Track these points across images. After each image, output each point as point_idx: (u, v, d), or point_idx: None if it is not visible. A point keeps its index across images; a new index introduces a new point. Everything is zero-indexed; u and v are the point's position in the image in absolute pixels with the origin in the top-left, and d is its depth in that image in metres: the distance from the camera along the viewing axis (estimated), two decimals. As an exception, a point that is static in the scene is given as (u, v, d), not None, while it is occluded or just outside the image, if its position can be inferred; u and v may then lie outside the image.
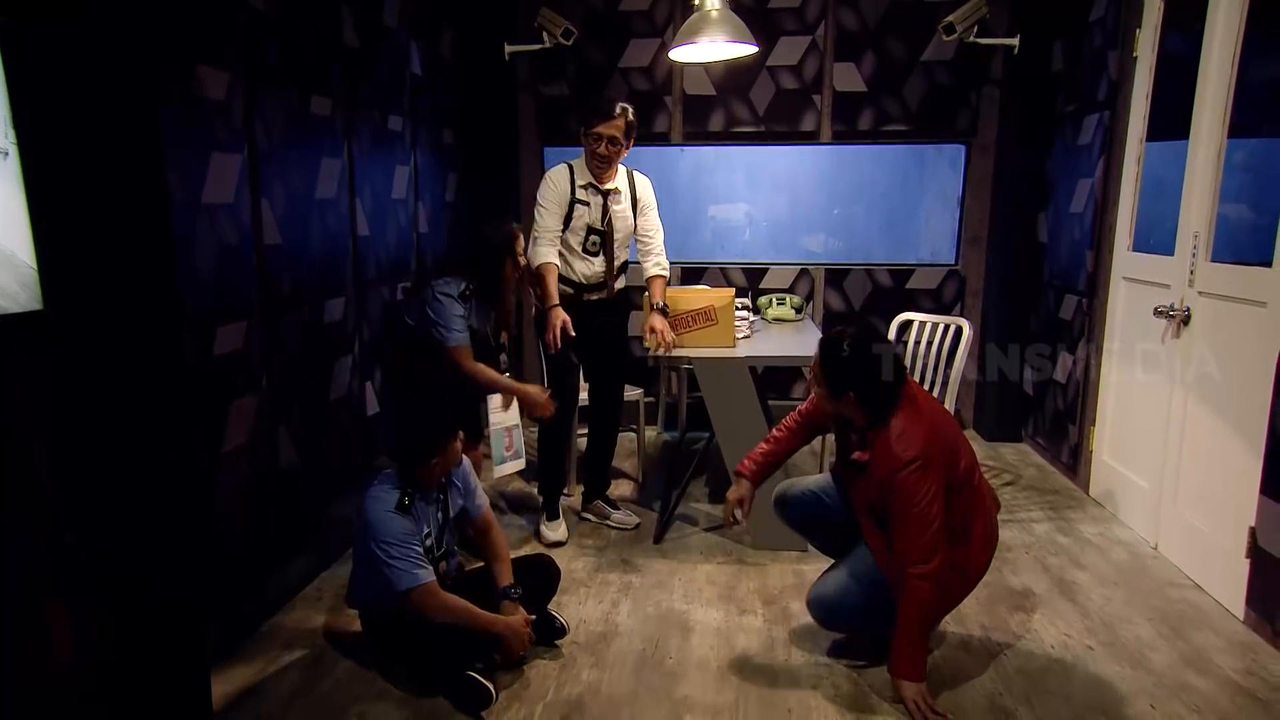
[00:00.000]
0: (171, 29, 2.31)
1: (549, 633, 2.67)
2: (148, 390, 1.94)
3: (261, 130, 2.73)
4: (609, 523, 3.63)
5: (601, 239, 3.39)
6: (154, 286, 2.00)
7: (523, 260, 3.16)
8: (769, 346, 3.65)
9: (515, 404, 3.33)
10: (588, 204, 3.35)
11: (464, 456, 2.69)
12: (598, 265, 3.43)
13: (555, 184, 3.35)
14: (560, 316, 3.21)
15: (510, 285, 3.16)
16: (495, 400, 3.23)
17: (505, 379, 3.13)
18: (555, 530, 3.45)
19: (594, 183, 3.35)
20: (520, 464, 3.38)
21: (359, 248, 3.47)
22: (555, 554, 3.35)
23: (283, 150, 2.87)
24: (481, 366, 3.04)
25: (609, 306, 3.49)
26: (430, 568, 2.45)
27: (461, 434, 2.59)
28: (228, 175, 2.56)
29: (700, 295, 3.50)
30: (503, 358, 3.34)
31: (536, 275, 3.32)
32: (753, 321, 3.91)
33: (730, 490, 2.72)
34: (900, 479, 2.27)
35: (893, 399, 2.35)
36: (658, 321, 3.31)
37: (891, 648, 2.34)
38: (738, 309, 3.58)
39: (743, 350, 3.43)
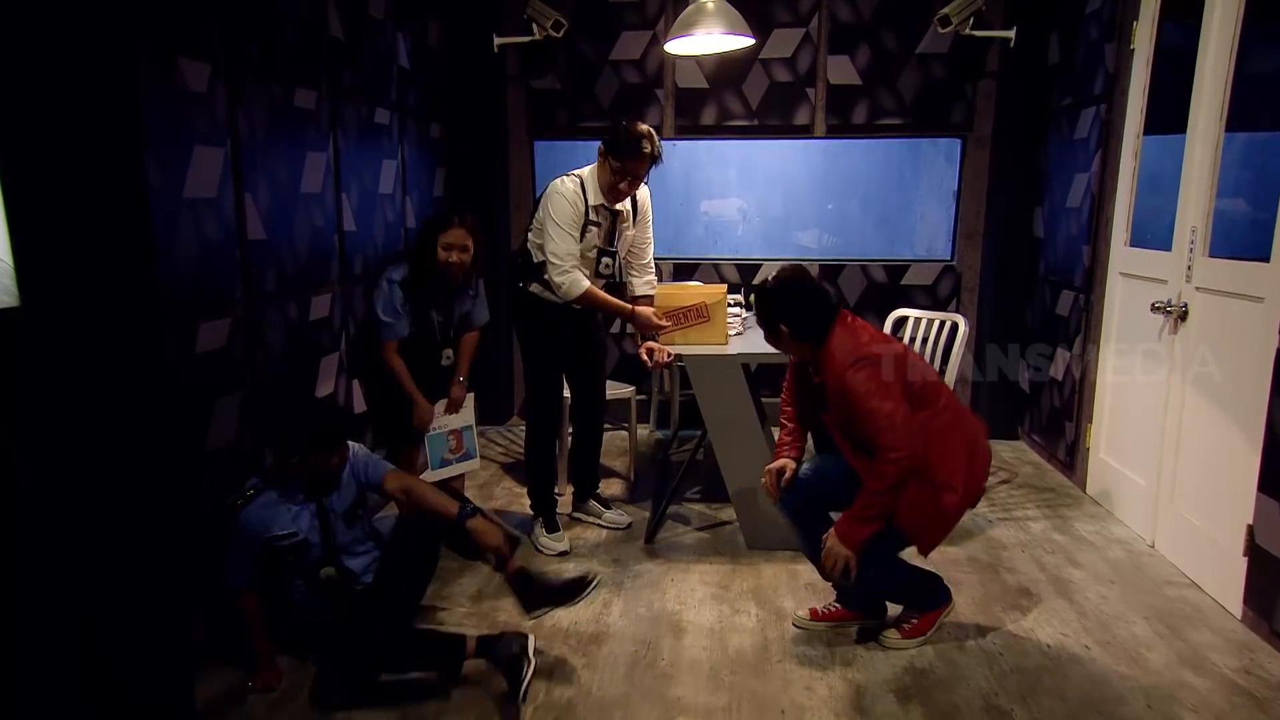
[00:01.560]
0: (151, 20, 2.29)
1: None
2: (129, 388, 1.93)
3: (244, 123, 2.72)
4: (601, 522, 3.62)
5: (612, 260, 3.35)
6: (134, 282, 1.99)
7: (455, 256, 3.14)
8: (762, 343, 3.63)
9: (470, 405, 3.48)
10: (599, 224, 3.25)
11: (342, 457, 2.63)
12: (602, 285, 3.36)
13: (574, 205, 3.16)
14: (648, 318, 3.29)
15: (443, 269, 3.17)
16: (441, 404, 3.39)
17: (408, 383, 3.25)
18: (558, 541, 3.40)
19: (606, 204, 3.24)
20: (473, 464, 3.54)
21: (345, 243, 3.45)
22: (544, 554, 3.35)
23: (266, 144, 2.85)
24: (396, 365, 3.20)
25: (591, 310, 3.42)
26: (240, 576, 2.50)
27: (327, 457, 2.54)
28: (210, 169, 2.54)
29: (692, 292, 3.49)
30: (447, 352, 3.37)
31: (585, 304, 3.22)
32: (745, 318, 3.91)
33: (771, 464, 2.79)
34: (848, 380, 2.44)
35: (826, 321, 2.54)
36: (654, 348, 3.31)
37: (842, 515, 2.49)
38: (730, 305, 3.58)
39: (735, 347, 3.43)
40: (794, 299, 2.57)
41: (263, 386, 2.86)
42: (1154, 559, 3.31)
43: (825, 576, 2.60)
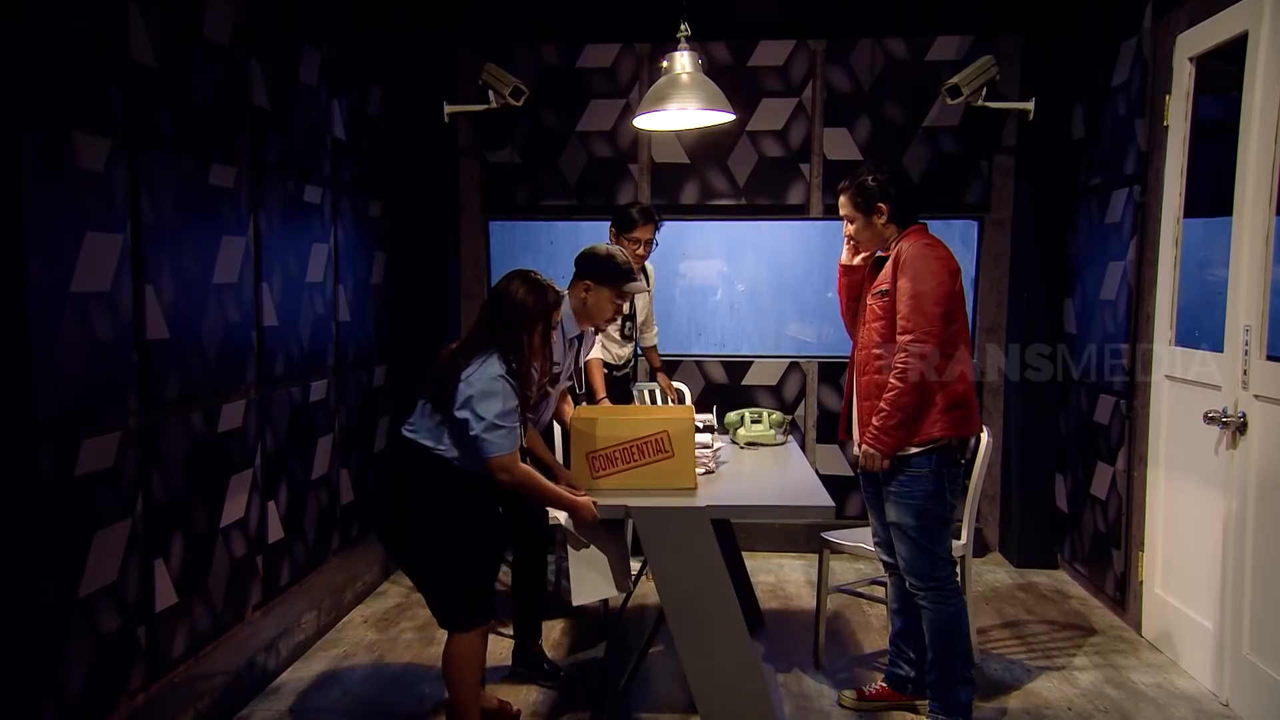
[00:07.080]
0: (40, 89, 2.30)
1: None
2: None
3: (149, 205, 2.71)
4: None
5: (632, 324, 4.32)
6: (3, 393, 1.94)
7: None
8: (741, 487, 3.15)
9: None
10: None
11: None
12: (629, 349, 4.39)
13: None
14: None
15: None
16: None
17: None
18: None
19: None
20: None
21: (265, 340, 3.42)
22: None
23: (174, 228, 2.84)
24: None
25: (626, 380, 4.43)
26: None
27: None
28: (104, 258, 2.52)
29: (648, 417, 3.03)
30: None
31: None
32: (717, 449, 3.37)
33: None
34: (918, 249, 2.84)
35: (914, 210, 2.99)
36: (665, 380, 4.61)
37: (871, 424, 2.85)
38: (699, 430, 3.17)
39: (704, 495, 2.90)
40: (902, 180, 3.04)
41: (156, 513, 2.77)
42: None
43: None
